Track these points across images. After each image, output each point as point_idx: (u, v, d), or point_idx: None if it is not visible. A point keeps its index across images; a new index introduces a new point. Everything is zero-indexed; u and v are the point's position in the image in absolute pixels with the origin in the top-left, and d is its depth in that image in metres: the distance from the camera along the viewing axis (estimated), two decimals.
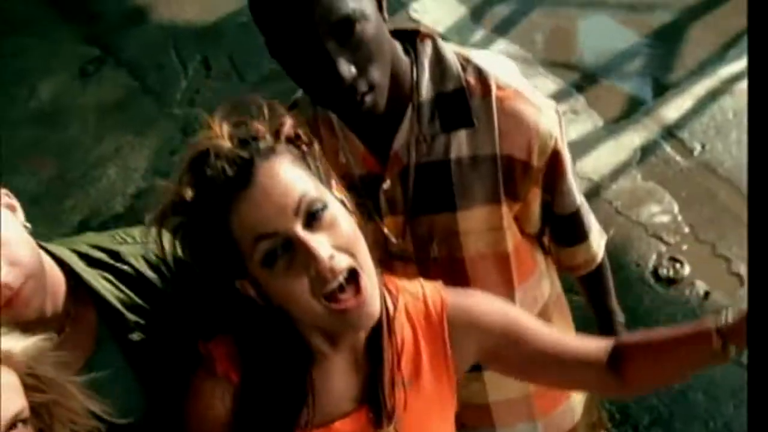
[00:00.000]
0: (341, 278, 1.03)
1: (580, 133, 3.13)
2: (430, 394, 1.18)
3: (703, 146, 2.90)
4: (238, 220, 1.03)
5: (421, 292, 1.21)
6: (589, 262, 1.52)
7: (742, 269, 2.51)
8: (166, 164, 3.61)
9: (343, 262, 1.03)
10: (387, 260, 1.34)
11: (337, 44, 1.16)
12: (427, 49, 1.32)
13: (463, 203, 1.32)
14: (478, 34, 3.68)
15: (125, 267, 1.33)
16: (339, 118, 1.32)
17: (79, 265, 1.30)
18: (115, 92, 3.86)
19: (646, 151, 2.96)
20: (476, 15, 3.78)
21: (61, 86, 3.94)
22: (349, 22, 1.15)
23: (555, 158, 1.33)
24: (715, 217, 2.67)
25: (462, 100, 1.30)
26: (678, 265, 2.58)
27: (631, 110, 3.13)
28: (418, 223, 1.34)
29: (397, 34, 1.32)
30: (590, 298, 1.62)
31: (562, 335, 1.29)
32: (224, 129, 1.06)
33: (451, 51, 1.33)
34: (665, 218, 2.72)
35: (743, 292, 2.48)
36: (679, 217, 2.70)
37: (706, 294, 2.49)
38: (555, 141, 1.31)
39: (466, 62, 1.32)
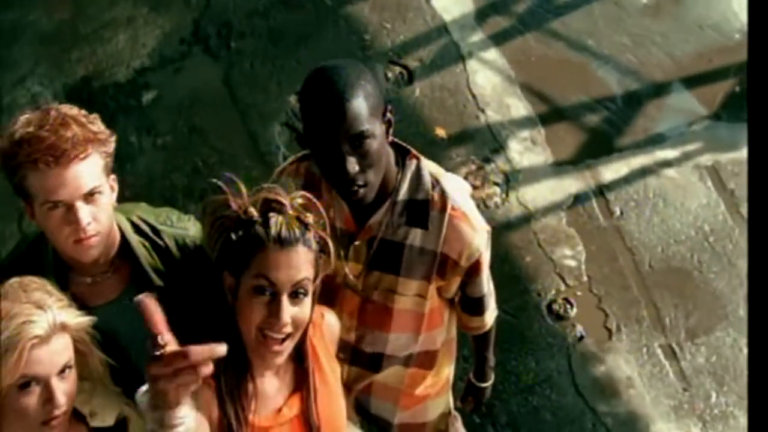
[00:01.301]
0: (282, 336, 1.55)
1: (531, 163, 3.66)
2: (327, 376, 1.76)
3: (621, 213, 3.52)
4: (260, 259, 1.52)
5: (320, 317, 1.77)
6: (481, 328, 2.15)
7: (615, 325, 3.19)
8: (173, 51, 3.86)
9: (288, 328, 1.55)
10: (343, 288, 1.92)
11: (351, 149, 1.64)
12: (411, 166, 1.83)
13: (405, 273, 1.88)
14: (476, 36, 4.06)
15: (160, 242, 1.89)
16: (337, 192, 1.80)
17: (128, 232, 1.86)
18: None
19: (577, 199, 3.54)
20: (481, 16, 4.15)
21: None
22: (362, 136, 1.64)
23: (476, 264, 1.90)
24: (609, 277, 3.32)
25: (425, 209, 1.83)
26: (568, 306, 3.23)
27: (580, 158, 3.68)
28: (370, 274, 1.90)
29: (395, 145, 1.83)
30: (475, 346, 2.27)
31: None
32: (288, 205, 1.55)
33: (428, 171, 1.84)
34: (572, 263, 3.35)
35: (610, 344, 3.16)
36: (583, 267, 3.34)
37: (581, 338, 3.17)
38: (480, 254, 1.88)
39: (436, 182, 1.84)
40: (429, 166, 1.86)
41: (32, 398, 1.49)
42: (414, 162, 1.83)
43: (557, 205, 3.54)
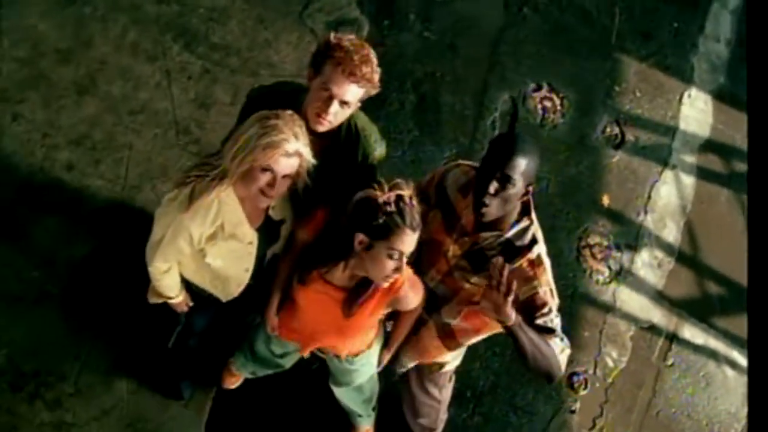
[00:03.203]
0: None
1: (644, 276, 4.13)
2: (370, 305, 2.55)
3: (671, 364, 4.00)
4: (397, 237, 2.31)
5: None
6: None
7: (599, 427, 3.74)
8: None
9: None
10: (443, 255, 2.60)
11: (498, 181, 2.37)
12: (525, 223, 2.51)
13: (478, 274, 2.55)
14: (690, 158, 4.47)
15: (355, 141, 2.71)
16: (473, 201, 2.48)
17: (350, 126, 2.70)
18: None
19: (652, 329, 4.03)
20: (706, 146, 4.51)
21: None
22: (508, 179, 2.37)
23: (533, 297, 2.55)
24: (624, 396, 3.85)
25: (516, 252, 2.49)
26: (584, 384, 3.81)
27: (678, 305, 4.13)
28: (461, 260, 2.57)
29: (526, 204, 2.51)
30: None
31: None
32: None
33: (532, 232, 2.51)
34: (611, 364, 3.89)
35: None
36: (615, 373, 3.87)
37: (573, 411, 3.74)
38: (535, 292, 2.51)
39: (533, 241, 2.50)
40: (536, 229, 2.54)
41: (264, 178, 2.40)
42: (528, 222, 2.54)
43: (634, 319, 4.03)
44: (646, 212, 4.31)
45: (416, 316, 2.74)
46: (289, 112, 2.42)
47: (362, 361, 2.88)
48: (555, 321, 2.54)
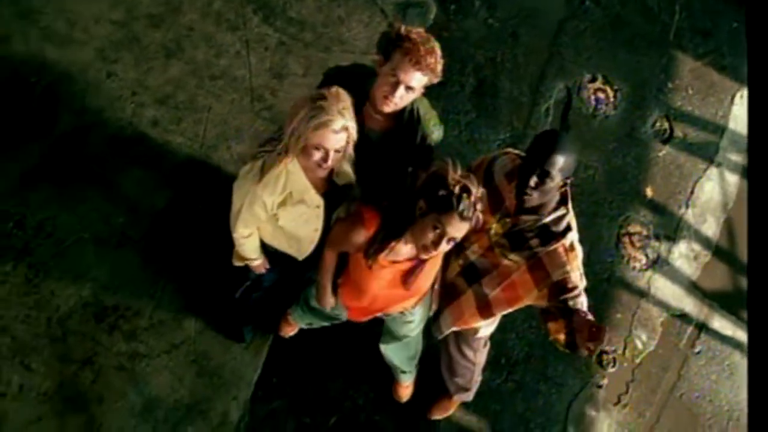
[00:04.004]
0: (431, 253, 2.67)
1: (680, 267, 4.33)
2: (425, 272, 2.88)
3: (698, 352, 4.21)
4: (446, 217, 2.56)
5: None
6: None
7: (624, 402, 4.00)
8: None
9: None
10: (486, 232, 2.87)
11: (538, 176, 2.66)
12: (562, 211, 2.79)
13: (516, 252, 2.84)
14: (737, 158, 4.60)
15: (416, 122, 3.01)
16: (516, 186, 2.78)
17: (413, 108, 3.01)
18: None
19: (683, 317, 4.24)
20: None
21: None
22: (548, 174, 2.66)
23: (565, 279, 2.83)
24: (650, 376, 4.10)
25: (552, 237, 2.77)
26: (613, 363, 4.07)
27: (710, 296, 4.33)
28: (502, 238, 2.85)
29: (564, 195, 2.80)
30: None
31: None
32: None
33: (567, 220, 2.78)
34: (640, 345, 4.13)
35: (612, 408, 3.98)
36: (644, 354, 4.12)
37: (600, 386, 4.00)
38: (567, 275, 2.79)
39: (567, 228, 2.78)
40: (571, 218, 2.81)
41: (318, 154, 2.72)
42: (564, 210, 2.82)
43: (666, 306, 4.26)
44: (687, 206, 4.49)
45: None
46: (336, 89, 2.71)
47: (417, 311, 3.19)
48: (583, 302, 2.82)
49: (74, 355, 3.62)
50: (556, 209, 2.79)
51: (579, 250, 2.83)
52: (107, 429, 3.54)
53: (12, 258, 3.72)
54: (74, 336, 3.64)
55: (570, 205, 2.82)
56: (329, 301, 3.13)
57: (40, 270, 3.73)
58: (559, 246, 2.77)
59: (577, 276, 2.80)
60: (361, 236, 2.74)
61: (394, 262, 2.79)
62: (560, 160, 2.65)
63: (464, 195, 2.54)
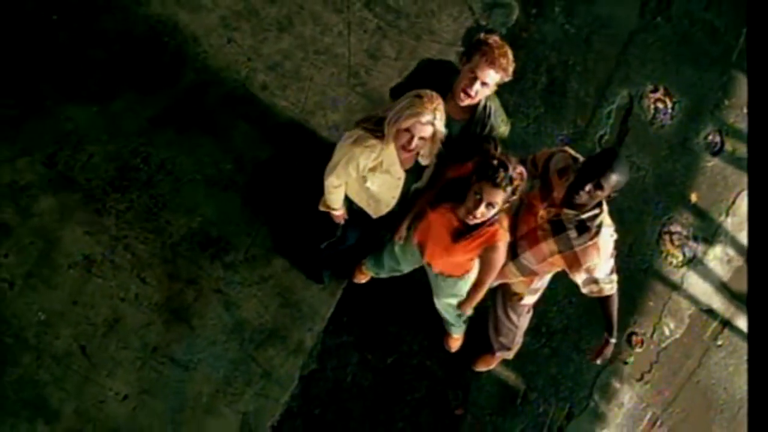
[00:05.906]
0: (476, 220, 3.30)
1: (713, 268, 4.77)
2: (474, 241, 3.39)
3: (719, 345, 4.67)
4: (484, 184, 3.16)
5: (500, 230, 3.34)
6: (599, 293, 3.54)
7: (646, 380, 4.50)
8: None
9: (479, 218, 3.28)
10: (535, 216, 3.41)
11: (592, 185, 3.17)
12: (597, 210, 3.31)
13: (554, 238, 3.38)
14: None
15: (486, 117, 3.52)
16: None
17: (487, 105, 3.54)
18: None
19: (709, 312, 4.69)
20: None
21: None
22: (600, 186, 3.18)
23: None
24: (673, 360, 4.58)
25: (587, 231, 3.30)
26: (640, 344, 4.55)
27: (737, 298, 4.78)
28: (546, 223, 3.39)
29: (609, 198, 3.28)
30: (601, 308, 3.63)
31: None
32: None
33: (601, 219, 3.31)
34: (667, 333, 4.61)
35: (636, 384, 4.48)
36: (667, 343, 4.60)
37: (626, 363, 4.51)
38: (595, 266, 3.38)
39: (599, 226, 3.30)
40: (605, 218, 3.32)
41: (405, 137, 3.28)
42: (599, 211, 3.32)
43: (696, 301, 4.71)
44: (727, 214, 4.90)
45: (490, 280, 3.52)
46: (433, 93, 3.26)
47: (450, 283, 3.73)
48: (612, 288, 3.43)
49: (181, 275, 4.27)
50: (593, 209, 3.30)
51: (609, 247, 3.34)
52: (203, 340, 4.20)
53: (137, 189, 4.38)
54: (182, 259, 4.30)
55: (605, 207, 3.34)
56: (402, 231, 3.72)
57: (159, 201, 4.38)
58: (591, 243, 3.30)
59: (605, 267, 3.37)
60: (449, 173, 3.41)
61: (453, 213, 3.34)
62: (614, 179, 3.15)
63: (500, 168, 3.11)
